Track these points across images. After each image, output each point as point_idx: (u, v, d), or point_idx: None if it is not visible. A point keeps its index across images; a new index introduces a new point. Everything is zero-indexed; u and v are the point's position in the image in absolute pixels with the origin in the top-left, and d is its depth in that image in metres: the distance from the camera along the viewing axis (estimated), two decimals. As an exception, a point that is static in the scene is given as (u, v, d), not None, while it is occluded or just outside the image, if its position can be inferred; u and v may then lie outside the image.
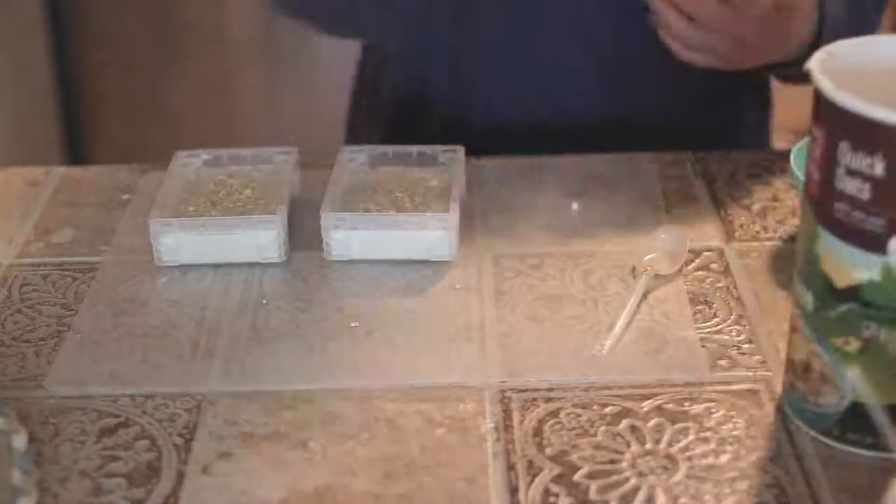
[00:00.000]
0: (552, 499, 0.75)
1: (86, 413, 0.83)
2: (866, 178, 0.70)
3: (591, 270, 0.97)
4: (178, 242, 0.98)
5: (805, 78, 0.75)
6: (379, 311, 0.93)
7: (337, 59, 1.54)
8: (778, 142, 1.40)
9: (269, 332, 0.91)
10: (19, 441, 0.78)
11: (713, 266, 0.98)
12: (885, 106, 0.69)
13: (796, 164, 0.97)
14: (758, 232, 1.02)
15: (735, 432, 0.80)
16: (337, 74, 1.52)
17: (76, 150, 2.48)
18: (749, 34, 1.05)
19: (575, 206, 1.07)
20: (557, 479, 0.76)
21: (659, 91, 1.23)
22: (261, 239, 0.98)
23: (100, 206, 1.08)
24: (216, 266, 0.99)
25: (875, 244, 0.71)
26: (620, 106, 1.24)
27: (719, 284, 0.95)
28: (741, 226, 1.03)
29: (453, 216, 0.98)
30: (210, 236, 0.98)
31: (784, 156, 1.15)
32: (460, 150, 1.08)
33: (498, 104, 1.24)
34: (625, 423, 0.81)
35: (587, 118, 1.23)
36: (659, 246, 0.99)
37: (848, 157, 0.71)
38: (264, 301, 0.95)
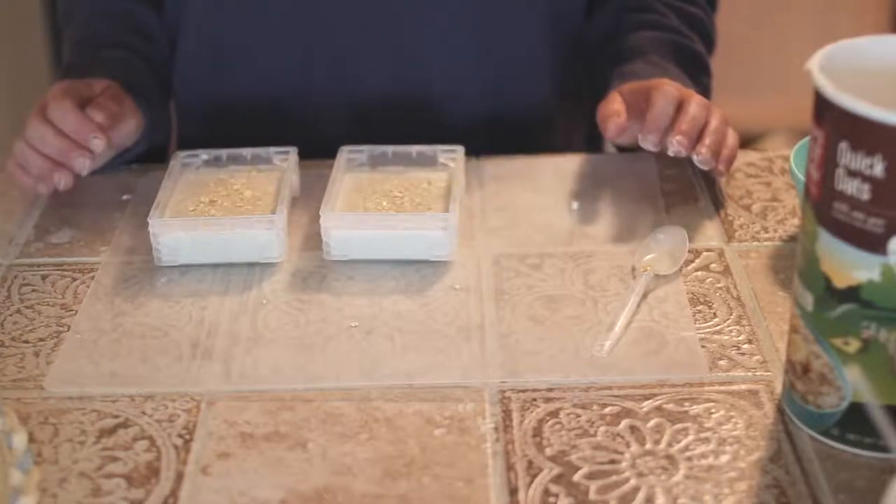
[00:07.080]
0: (552, 499, 0.75)
1: (85, 413, 0.83)
2: (866, 178, 0.70)
3: (591, 270, 0.97)
4: (178, 242, 0.98)
5: None
6: (379, 311, 0.93)
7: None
8: (778, 142, 1.40)
9: (269, 332, 0.91)
10: (19, 441, 0.78)
11: (713, 266, 0.98)
12: (885, 106, 0.69)
13: (796, 164, 0.97)
14: (758, 232, 1.02)
15: (735, 432, 0.80)
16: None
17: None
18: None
19: (575, 205, 1.06)
20: (557, 480, 0.76)
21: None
22: (260, 239, 0.98)
23: (100, 206, 1.08)
24: (216, 266, 0.99)
25: (875, 244, 0.71)
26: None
27: (719, 284, 0.95)
28: (741, 226, 1.03)
29: (453, 216, 0.98)
30: (210, 236, 0.98)
31: (784, 156, 1.15)
32: (460, 150, 1.08)
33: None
34: (625, 423, 0.81)
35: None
36: (659, 246, 0.99)
37: (848, 157, 0.71)
38: (264, 301, 0.95)
